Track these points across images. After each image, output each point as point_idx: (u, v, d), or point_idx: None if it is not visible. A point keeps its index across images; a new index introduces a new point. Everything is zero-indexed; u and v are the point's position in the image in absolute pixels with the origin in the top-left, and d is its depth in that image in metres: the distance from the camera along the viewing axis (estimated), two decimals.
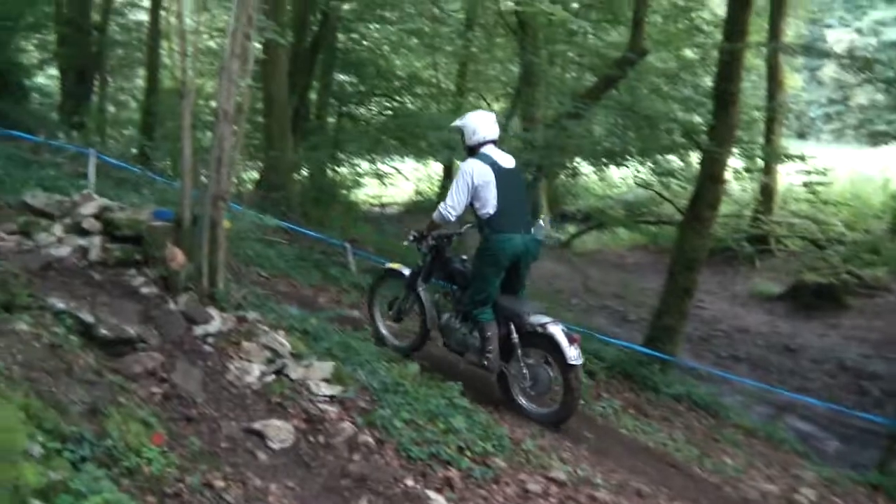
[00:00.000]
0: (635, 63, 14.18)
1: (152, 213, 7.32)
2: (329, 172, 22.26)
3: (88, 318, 5.60)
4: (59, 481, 3.43)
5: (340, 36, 23.56)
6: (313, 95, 23.43)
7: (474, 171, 7.55)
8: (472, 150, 7.79)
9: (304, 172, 20.52)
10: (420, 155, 23.66)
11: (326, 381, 6.25)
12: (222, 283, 6.85)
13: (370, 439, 5.82)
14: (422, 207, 28.31)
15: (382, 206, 25.92)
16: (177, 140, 18.73)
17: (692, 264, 12.34)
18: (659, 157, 16.69)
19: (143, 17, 26.37)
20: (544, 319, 7.65)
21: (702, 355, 15.17)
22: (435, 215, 7.92)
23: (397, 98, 25.40)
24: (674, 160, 17.55)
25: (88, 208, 7.34)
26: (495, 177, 7.56)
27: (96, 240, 7.05)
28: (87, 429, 4.20)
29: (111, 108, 29.27)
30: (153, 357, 5.71)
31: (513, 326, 7.82)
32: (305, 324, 7.46)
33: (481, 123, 7.84)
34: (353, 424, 5.91)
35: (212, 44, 23.18)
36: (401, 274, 8.88)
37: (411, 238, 8.55)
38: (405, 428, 6.05)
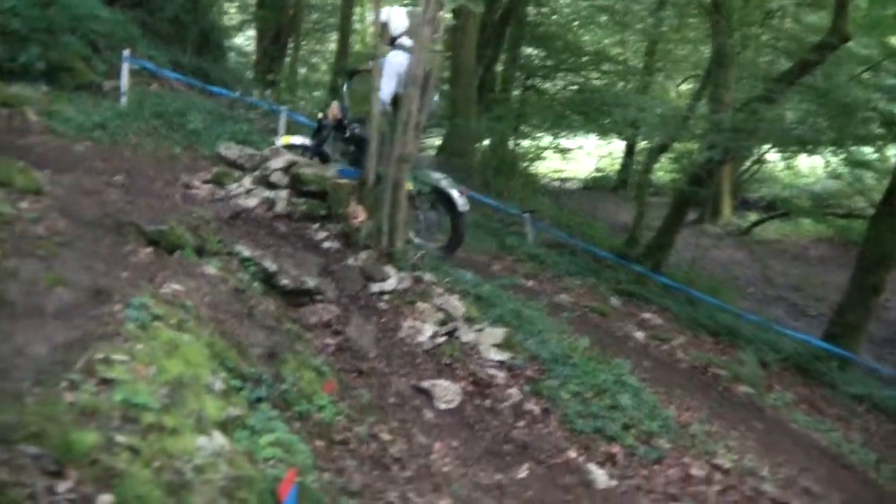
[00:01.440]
0: (835, 48, 13.51)
1: (338, 170, 7.50)
2: (511, 144, 22.27)
3: (272, 267, 5.80)
4: (237, 417, 3.57)
5: (530, 9, 23.46)
6: (500, 67, 23.46)
7: (397, 62, 8.23)
8: (393, 41, 8.50)
9: (487, 142, 20.60)
10: (603, 132, 23.39)
11: (497, 346, 6.28)
12: (401, 243, 6.96)
13: (536, 408, 5.82)
14: (601, 184, 27.99)
15: (562, 180, 25.73)
16: (364, 102, 19.14)
17: (883, 260, 11.77)
18: (853, 147, 15.94)
19: None
20: (439, 177, 9.04)
21: (884, 358, 14.38)
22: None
23: (583, 74, 25.13)
24: (869, 151, 16.74)
25: (277, 162, 7.58)
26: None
27: (283, 193, 7.29)
28: (264, 371, 4.36)
29: (302, 70, 30.09)
30: (329, 310, 5.88)
31: None
32: (479, 289, 7.51)
33: (401, 17, 8.61)
34: (519, 391, 5.92)
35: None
36: (302, 146, 9.47)
37: (355, 129, 9.04)
38: (571, 400, 6.02)
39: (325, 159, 9.22)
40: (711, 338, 11.20)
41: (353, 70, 10.11)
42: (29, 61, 9.32)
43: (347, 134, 9.02)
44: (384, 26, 8.58)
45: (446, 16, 8.30)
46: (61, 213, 5.27)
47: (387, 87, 8.29)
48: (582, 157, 27.16)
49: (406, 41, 8.48)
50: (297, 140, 9.54)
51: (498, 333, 6.40)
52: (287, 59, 26.34)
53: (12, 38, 9.15)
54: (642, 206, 17.37)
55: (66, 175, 6.51)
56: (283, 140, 9.57)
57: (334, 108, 9.10)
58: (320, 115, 9.46)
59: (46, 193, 5.54)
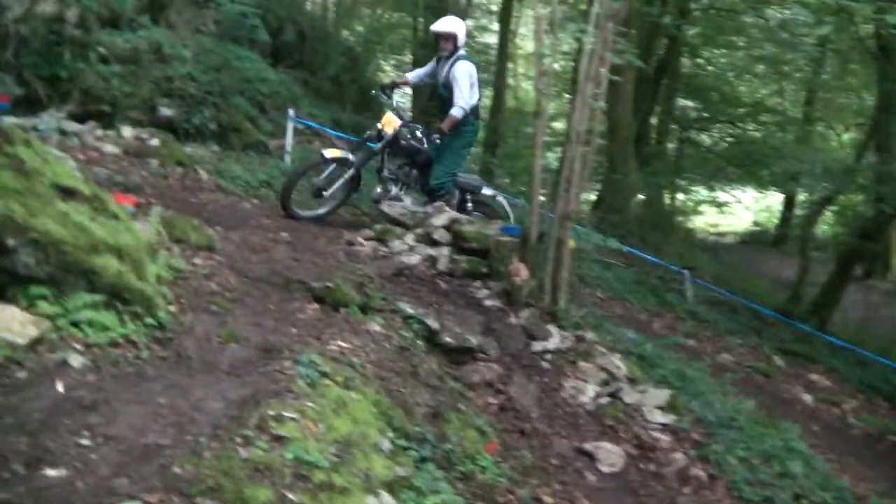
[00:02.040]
0: None
1: (500, 228, 7.50)
2: (667, 198, 21.99)
3: (434, 325, 5.82)
4: (404, 477, 3.57)
5: (685, 61, 23.21)
6: (655, 120, 23.24)
7: (473, 71, 8.57)
8: (455, 50, 8.61)
9: (642, 197, 20.39)
10: (761, 184, 22.83)
11: (661, 408, 6.12)
12: (563, 301, 6.89)
13: (702, 473, 5.63)
14: (759, 238, 27.26)
15: (720, 234, 25.20)
16: (517, 158, 19.19)
17: None
18: None
19: (492, 39, 27.29)
20: (492, 192, 9.17)
21: None
22: (458, 113, 8.40)
23: (740, 125, 24.63)
24: None
25: (439, 220, 7.63)
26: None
27: (445, 250, 7.33)
28: (429, 430, 4.36)
29: None
30: (492, 368, 5.85)
31: (468, 195, 8.89)
32: (641, 349, 7.36)
33: (463, 28, 8.84)
34: (685, 456, 5.74)
35: (556, 66, 23.50)
36: (346, 160, 8.61)
37: (436, 139, 8.58)
38: (738, 466, 5.81)
39: (357, 182, 8.70)
40: (886, 402, 10.67)
41: (392, 83, 9.33)
42: (202, 123, 9.74)
43: (424, 145, 8.69)
44: (452, 37, 8.59)
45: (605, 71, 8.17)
46: (232, 270, 5.45)
47: (471, 98, 8.47)
48: (739, 210, 26.56)
49: (464, 51, 8.80)
50: (342, 153, 8.74)
51: (661, 395, 6.25)
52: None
53: (188, 101, 9.59)
54: (805, 261, 16.79)
55: (236, 232, 6.73)
56: (330, 153, 8.65)
57: (392, 119, 8.58)
58: (378, 126, 8.70)
59: (218, 250, 5.74)
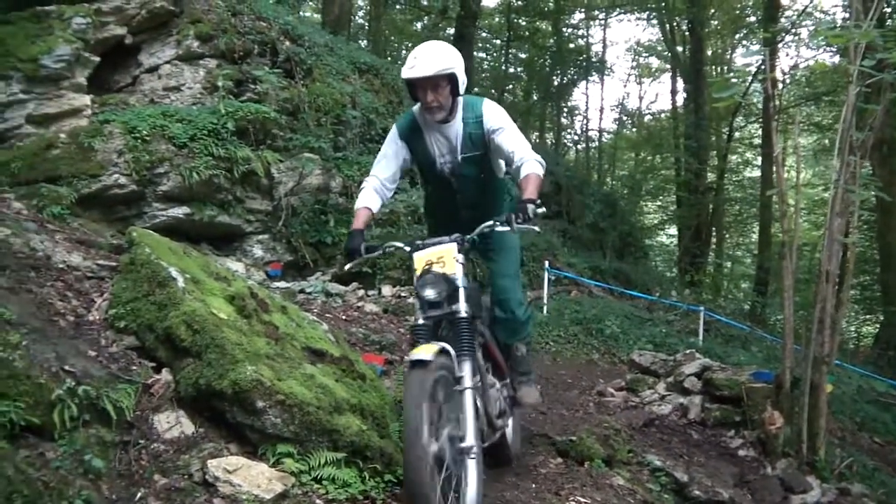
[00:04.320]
0: None
1: (752, 374, 7.23)
2: None
3: (683, 478, 5.65)
4: None
5: None
6: None
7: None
8: (456, 99, 4.84)
9: None
10: None
11: None
12: (823, 449, 6.48)
13: None
14: None
15: None
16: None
17: None
18: None
19: (758, 173, 26.79)
20: None
21: None
22: (541, 171, 4.63)
23: None
24: None
25: (690, 367, 7.48)
26: None
27: (696, 399, 7.16)
28: None
29: (726, 265, 29.80)
30: None
31: None
32: None
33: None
34: None
35: (826, 195, 22.63)
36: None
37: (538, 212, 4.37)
38: None
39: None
40: None
41: (359, 231, 4.68)
42: None
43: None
44: (451, 79, 4.66)
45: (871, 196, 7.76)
46: None
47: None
48: None
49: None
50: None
51: None
52: (710, 255, 26.31)
53: None
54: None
55: None
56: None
57: (446, 252, 4.38)
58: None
59: None
